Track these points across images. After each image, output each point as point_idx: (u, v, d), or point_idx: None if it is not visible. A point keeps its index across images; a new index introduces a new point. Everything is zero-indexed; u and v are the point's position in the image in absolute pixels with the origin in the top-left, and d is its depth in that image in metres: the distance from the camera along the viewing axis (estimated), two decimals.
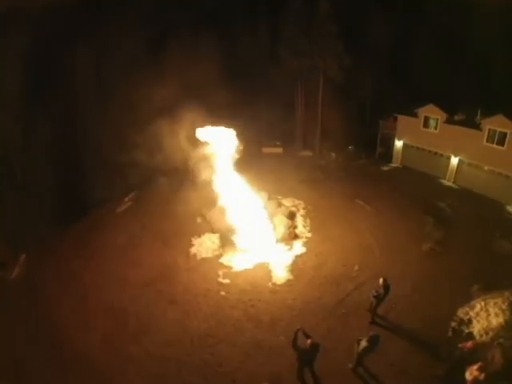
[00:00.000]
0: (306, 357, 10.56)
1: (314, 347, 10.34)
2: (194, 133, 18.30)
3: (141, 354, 12.84)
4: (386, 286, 12.71)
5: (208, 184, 18.56)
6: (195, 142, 18.38)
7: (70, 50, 21.32)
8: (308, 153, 30.28)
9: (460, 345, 11.67)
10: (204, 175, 18.25)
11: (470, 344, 11.53)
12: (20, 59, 19.15)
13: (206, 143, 18.01)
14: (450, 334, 13.12)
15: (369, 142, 29.47)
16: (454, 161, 24.33)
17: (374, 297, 12.84)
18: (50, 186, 20.32)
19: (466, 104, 24.32)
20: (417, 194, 23.07)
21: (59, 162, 20.95)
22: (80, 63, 22.44)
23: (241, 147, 18.65)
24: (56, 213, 20.19)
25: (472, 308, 13.95)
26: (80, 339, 13.53)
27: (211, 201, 19.62)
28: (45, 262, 18.31)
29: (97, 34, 21.71)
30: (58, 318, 14.65)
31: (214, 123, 18.70)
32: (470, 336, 13.03)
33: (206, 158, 18.14)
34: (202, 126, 18.30)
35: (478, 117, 23.19)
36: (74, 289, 16.26)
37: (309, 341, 10.29)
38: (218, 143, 18.02)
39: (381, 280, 12.78)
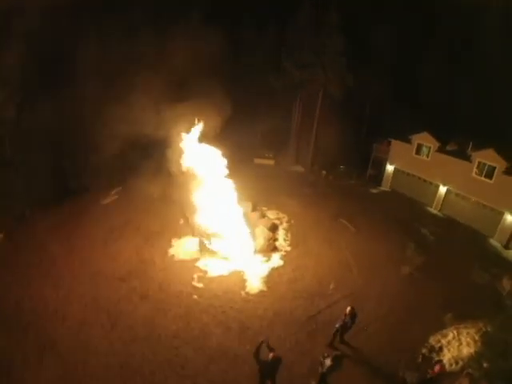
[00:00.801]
0: (267, 369, 10.40)
1: (276, 360, 10.21)
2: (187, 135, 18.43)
3: (106, 347, 12.76)
4: (353, 315, 12.46)
5: (195, 187, 18.53)
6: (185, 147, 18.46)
7: (72, 38, 21.45)
8: (299, 168, 30.34)
9: (429, 373, 11.48)
10: (191, 180, 18.23)
11: (437, 369, 11.35)
12: (22, 39, 19.12)
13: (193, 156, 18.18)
14: (419, 360, 12.97)
15: (361, 163, 29.60)
16: (442, 190, 24.48)
17: (340, 326, 12.59)
18: (38, 165, 20.22)
19: (460, 134, 24.68)
20: (402, 218, 23.13)
21: (50, 143, 20.79)
22: (82, 53, 22.53)
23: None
24: (40, 193, 20.12)
25: (444, 336, 14.01)
26: (49, 327, 13.46)
27: (196, 204, 19.53)
28: (22, 242, 18.22)
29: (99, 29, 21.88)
30: (29, 302, 14.54)
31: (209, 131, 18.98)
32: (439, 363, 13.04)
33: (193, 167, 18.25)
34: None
35: (470, 149, 23.49)
36: (49, 274, 16.15)
37: (271, 354, 10.11)
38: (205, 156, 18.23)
39: (348, 308, 12.51)
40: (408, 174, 26.89)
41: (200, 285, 15.79)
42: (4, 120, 19.57)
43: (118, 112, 21.68)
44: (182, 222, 20.16)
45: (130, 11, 22.05)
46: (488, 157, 21.72)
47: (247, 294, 15.45)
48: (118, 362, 12.20)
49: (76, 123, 22.01)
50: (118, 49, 21.94)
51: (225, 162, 18.70)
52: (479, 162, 22.26)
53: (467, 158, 23.00)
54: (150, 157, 21.14)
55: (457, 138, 24.67)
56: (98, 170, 21.66)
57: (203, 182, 18.17)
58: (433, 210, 25.00)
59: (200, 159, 18.25)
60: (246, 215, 19.54)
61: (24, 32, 19.01)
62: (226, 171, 18.69)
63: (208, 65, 24.24)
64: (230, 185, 18.85)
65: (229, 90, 25.51)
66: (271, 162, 30.39)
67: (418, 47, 28.15)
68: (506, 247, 20.95)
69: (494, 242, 21.44)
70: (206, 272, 16.57)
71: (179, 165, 18.18)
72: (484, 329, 14.06)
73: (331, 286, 16.08)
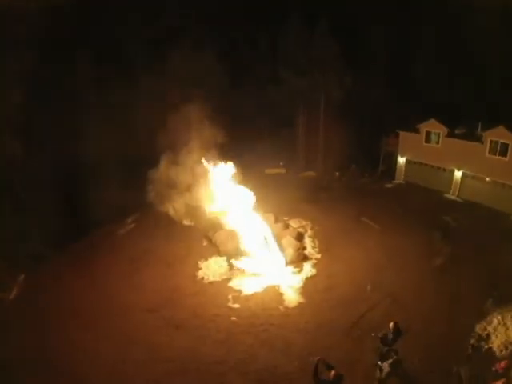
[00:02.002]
0: None
1: (338, 378, 9.72)
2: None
3: (147, 383, 12.35)
4: (397, 331, 11.44)
5: (212, 207, 18.46)
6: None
7: (70, 64, 21.75)
8: (311, 173, 30.21)
9: (493, 368, 11.28)
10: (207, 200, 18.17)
11: (503, 364, 11.15)
12: (21, 73, 19.25)
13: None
14: (469, 351, 12.81)
15: (371, 160, 29.53)
16: (458, 174, 24.37)
17: (380, 339, 11.48)
18: (50, 204, 20.05)
19: (467, 117, 24.62)
20: (422, 209, 23.00)
21: (59, 181, 20.84)
22: (80, 79, 22.82)
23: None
24: (55, 232, 19.82)
25: (489, 323, 13.88)
26: (83, 368, 12.95)
27: (217, 223, 19.45)
28: (44, 283, 17.88)
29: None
30: (58, 343, 14.10)
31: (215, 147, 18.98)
32: (490, 352, 12.79)
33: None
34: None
35: (479, 129, 23.40)
36: (75, 313, 15.73)
37: (332, 372, 9.74)
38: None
39: (391, 324, 11.52)
40: (420, 164, 26.79)
41: (236, 305, 15.54)
42: (13, 162, 19.68)
43: (121, 142, 21.95)
44: (205, 243, 20.02)
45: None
46: (499, 134, 21.67)
47: (286, 308, 15.25)
48: None
49: (82, 158, 22.24)
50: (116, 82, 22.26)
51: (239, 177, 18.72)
52: (491, 141, 22.19)
53: (478, 139, 22.93)
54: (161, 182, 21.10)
55: (465, 121, 24.64)
56: (110, 201, 21.47)
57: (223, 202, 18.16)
58: (451, 197, 24.82)
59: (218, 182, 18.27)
60: (270, 227, 19.42)
61: (26, 72, 19.25)
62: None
63: (206, 86, 24.51)
64: (247, 199, 18.80)
65: (229, 108, 25.86)
66: (282, 171, 30.30)
67: (411, 39, 28.22)
68: None
69: None
70: (240, 291, 16.33)
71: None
72: None
73: (368, 289, 15.89)
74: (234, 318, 14.84)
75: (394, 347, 11.37)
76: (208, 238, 20.10)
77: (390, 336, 11.41)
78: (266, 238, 17.67)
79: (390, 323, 11.59)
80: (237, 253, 17.95)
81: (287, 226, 20.82)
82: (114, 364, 13.13)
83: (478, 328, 13.60)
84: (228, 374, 12.45)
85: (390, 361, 10.85)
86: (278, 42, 27.49)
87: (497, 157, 22.05)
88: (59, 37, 21.37)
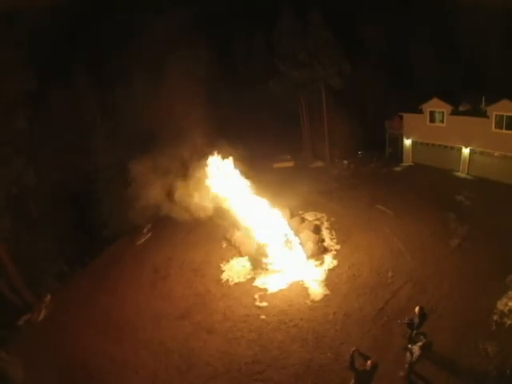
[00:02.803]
0: (367, 378, 10.32)
1: (374, 367, 10.16)
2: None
3: None
4: (423, 315, 11.80)
5: (225, 208, 18.69)
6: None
7: (70, 83, 21.96)
8: (319, 163, 30.46)
9: None
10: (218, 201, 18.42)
11: None
12: (25, 99, 19.61)
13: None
14: (493, 327, 13.11)
15: (378, 144, 29.63)
16: (466, 152, 24.42)
17: (407, 324, 11.83)
18: (66, 223, 20.56)
19: (468, 94, 24.58)
20: (433, 190, 23.15)
21: (72, 199, 21.30)
22: (82, 96, 23.09)
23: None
24: (74, 250, 20.56)
25: (511, 298, 14.05)
26: (119, 380, 13.47)
27: (233, 224, 19.72)
28: (71, 301, 18.43)
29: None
30: (92, 360, 14.53)
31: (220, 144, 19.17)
32: None
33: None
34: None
35: (483, 104, 23.28)
36: (106, 327, 16.23)
37: (368, 362, 10.12)
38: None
39: (417, 308, 11.83)
40: (427, 144, 26.85)
41: (264, 304, 15.98)
42: (24, 185, 20.11)
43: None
44: (224, 245, 20.43)
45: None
46: (504, 108, 21.58)
47: (312, 301, 15.67)
48: None
49: (92, 171, 22.60)
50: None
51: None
52: (496, 115, 22.11)
53: (483, 114, 22.85)
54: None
55: (467, 97, 24.60)
56: (124, 213, 21.96)
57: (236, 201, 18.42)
58: (461, 175, 24.91)
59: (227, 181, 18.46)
60: (287, 223, 19.75)
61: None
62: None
63: (207, 86, 24.62)
64: (259, 195, 18.99)
65: (231, 106, 26.04)
66: (290, 164, 30.55)
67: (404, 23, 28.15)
68: None
69: None
70: (265, 290, 16.77)
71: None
72: None
73: (389, 275, 16.26)
74: (263, 317, 15.28)
75: (421, 330, 11.82)
76: (227, 239, 20.50)
77: (417, 320, 11.79)
78: (286, 235, 18.00)
79: (415, 308, 11.97)
80: (258, 252, 18.30)
81: (303, 220, 21.15)
82: (154, 374, 13.63)
83: (500, 304, 13.84)
84: (265, 371, 12.89)
85: (419, 343, 11.30)
86: (273, 35, 27.47)
87: (503, 130, 21.99)
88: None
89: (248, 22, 28.33)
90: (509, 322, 13.16)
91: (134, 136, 22.51)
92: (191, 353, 14.22)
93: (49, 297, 18.81)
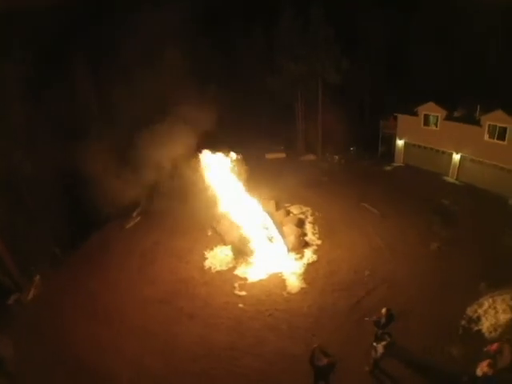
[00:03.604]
0: (322, 373, 10.93)
1: (330, 366, 10.73)
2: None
3: (169, 371, 13.28)
4: (390, 316, 12.34)
5: (214, 196, 18.86)
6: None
7: (70, 69, 21.86)
8: (311, 157, 30.66)
9: (485, 349, 11.92)
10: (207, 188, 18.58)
11: (495, 346, 11.76)
12: (21, 85, 19.54)
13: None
14: (460, 331, 13.64)
15: (370, 143, 29.78)
16: (456, 157, 24.68)
17: (374, 323, 12.41)
18: (57, 206, 20.60)
19: (465, 100, 24.67)
20: (421, 192, 23.47)
21: (64, 182, 21.28)
22: (79, 78, 22.98)
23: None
24: (65, 233, 20.58)
25: (480, 306, 14.49)
26: (105, 363, 13.82)
27: (220, 213, 19.81)
28: (59, 282, 18.70)
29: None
30: (79, 340, 14.93)
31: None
32: (479, 333, 13.56)
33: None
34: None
35: (478, 113, 23.42)
36: (93, 309, 16.58)
37: (325, 360, 10.70)
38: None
39: (384, 310, 12.38)
40: (419, 147, 27.05)
41: (243, 292, 16.45)
42: (17, 166, 20.12)
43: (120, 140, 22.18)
44: (210, 233, 20.74)
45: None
46: (498, 118, 21.74)
47: (289, 293, 16.14)
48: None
49: (84, 154, 22.61)
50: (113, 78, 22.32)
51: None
52: (489, 125, 22.30)
53: (477, 123, 23.02)
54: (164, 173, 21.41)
55: (463, 104, 24.72)
56: (114, 196, 21.87)
57: (223, 191, 18.65)
58: (450, 179, 25.22)
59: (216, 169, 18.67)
60: (271, 215, 20.05)
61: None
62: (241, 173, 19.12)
63: (204, 76, 24.55)
64: (248, 186, 19.27)
65: (229, 95, 25.92)
66: (283, 155, 30.72)
67: (404, 21, 28.03)
68: None
69: None
70: (245, 279, 17.22)
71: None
72: None
73: (366, 274, 16.71)
74: (241, 305, 15.78)
75: (387, 330, 12.32)
76: (212, 227, 20.80)
77: (383, 320, 12.32)
78: (267, 228, 18.33)
79: (382, 309, 12.48)
80: (241, 241, 18.59)
81: (288, 213, 21.46)
82: (135, 356, 14.05)
83: (470, 310, 14.28)
84: (243, 358, 13.46)
85: (383, 343, 11.83)
86: (273, 28, 27.34)
87: (495, 140, 22.21)
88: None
89: (249, 13, 28.01)
90: (475, 328, 13.67)
91: (129, 122, 22.56)
92: (174, 337, 14.69)
93: (38, 277, 18.96)
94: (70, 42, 21.76)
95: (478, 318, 14.03)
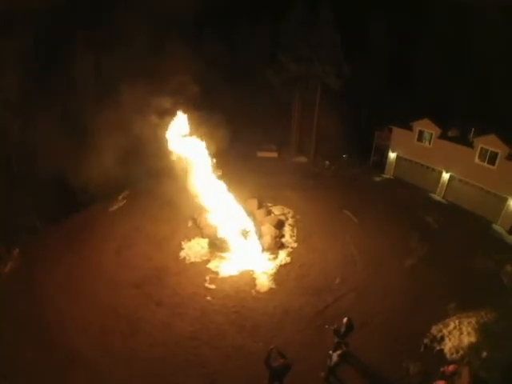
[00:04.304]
0: (276, 374, 11.04)
1: (285, 367, 10.86)
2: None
3: (129, 353, 13.49)
4: (350, 327, 12.52)
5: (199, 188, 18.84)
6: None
7: (70, 45, 21.80)
8: (302, 159, 30.61)
9: (442, 368, 12.07)
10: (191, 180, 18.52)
11: (451, 368, 11.90)
12: (20, 54, 19.41)
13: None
14: (422, 349, 13.71)
15: (363, 151, 29.77)
16: (445, 176, 24.70)
17: (333, 331, 12.57)
18: (45, 180, 20.38)
19: (461, 120, 24.67)
20: (406, 207, 23.51)
21: (55, 156, 21.17)
22: (80, 60, 22.90)
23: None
24: (50, 208, 20.53)
25: (446, 326, 14.59)
26: (72, 338, 14.10)
27: (201, 206, 19.87)
28: (38, 257, 18.76)
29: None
30: (50, 314, 15.20)
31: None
32: (441, 353, 13.63)
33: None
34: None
35: (472, 134, 23.42)
36: (68, 286, 16.79)
37: (281, 360, 10.82)
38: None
39: (345, 319, 12.60)
40: (411, 161, 27.03)
41: (212, 286, 16.54)
42: (9, 137, 20.04)
43: (116, 120, 22.12)
44: (190, 224, 20.75)
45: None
46: (490, 142, 21.76)
47: (257, 292, 16.23)
48: (140, 367, 12.96)
49: (76, 135, 22.50)
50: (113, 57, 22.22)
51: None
52: (481, 148, 22.29)
53: (469, 144, 23.03)
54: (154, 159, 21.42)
55: (458, 124, 24.70)
56: (102, 178, 22.02)
57: (206, 182, 18.59)
58: (436, 197, 25.24)
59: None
60: (252, 213, 20.12)
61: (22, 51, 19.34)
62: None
63: (206, 62, 24.42)
64: (234, 181, 19.28)
65: (228, 87, 25.89)
66: (274, 155, 30.65)
67: (412, 34, 28.02)
68: (510, 233, 21.21)
69: (498, 228, 21.69)
70: (217, 273, 17.30)
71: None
72: (485, 318, 14.66)
73: (337, 281, 16.76)
74: (209, 298, 15.90)
75: (345, 340, 12.37)
76: (193, 219, 20.81)
77: (343, 330, 12.41)
78: (244, 227, 18.37)
79: (344, 318, 12.56)
80: (218, 236, 18.62)
81: (269, 213, 21.47)
82: (100, 335, 14.37)
83: (434, 329, 14.38)
84: (200, 347, 13.71)
85: (339, 352, 11.89)
86: (280, 26, 27.23)
87: (485, 164, 22.25)
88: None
89: (255, 8, 27.88)
90: (438, 348, 13.73)
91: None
92: (138, 321, 14.92)
93: (17, 250, 18.99)
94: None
95: (442, 338, 14.12)
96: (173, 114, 19.21)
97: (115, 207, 23.60)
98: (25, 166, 20.74)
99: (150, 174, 23.05)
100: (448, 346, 13.77)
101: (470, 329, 14.26)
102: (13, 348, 13.68)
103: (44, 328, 14.55)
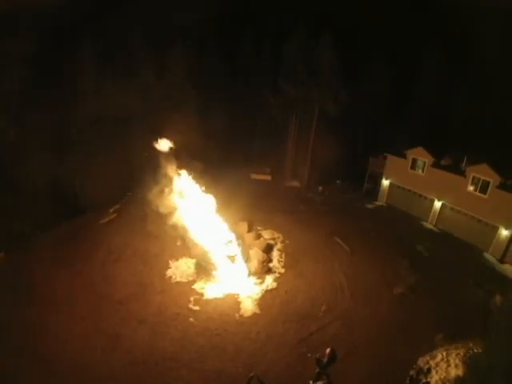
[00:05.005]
0: None
1: None
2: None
3: (107, 371, 13.26)
4: (332, 357, 12.65)
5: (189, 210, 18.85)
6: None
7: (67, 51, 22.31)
8: (296, 183, 30.69)
9: None
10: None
11: None
12: (19, 61, 19.89)
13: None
14: (407, 382, 13.32)
15: (357, 178, 29.90)
16: (437, 204, 24.75)
17: (316, 360, 12.58)
18: (38, 186, 20.61)
19: (454, 149, 24.96)
20: (397, 235, 23.43)
21: (48, 164, 21.24)
22: (79, 66, 23.40)
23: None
24: (40, 213, 20.68)
25: (433, 357, 14.18)
26: (51, 351, 13.94)
27: (190, 226, 19.69)
28: (23, 262, 18.75)
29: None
30: (28, 324, 14.99)
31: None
32: None
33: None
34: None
35: (464, 163, 23.67)
36: (49, 294, 16.68)
37: None
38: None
39: (328, 350, 12.73)
40: (403, 189, 27.15)
41: (196, 307, 16.34)
42: (4, 142, 20.29)
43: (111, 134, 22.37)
44: (179, 243, 20.60)
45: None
46: (482, 171, 21.97)
47: (241, 316, 15.99)
48: None
49: (70, 146, 22.77)
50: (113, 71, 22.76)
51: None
52: (473, 177, 22.50)
53: (462, 173, 23.24)
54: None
55: (451, 153, 24.97)
56: (95, 190, 21.95)
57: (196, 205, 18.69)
58: (428, 225, 25.24)
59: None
60: (241, 236, 20.02)
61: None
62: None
63: (207, 85, 25.01)
64: (225, 204, 19.23)
65: (226, 109, 26.33)
66: (268, 178, 30.77)
67: (411, 61, 28.75)
68: (501, 261, 21.21)
69: (489, 257, 21.67)
70: (202, 294, 17.12)
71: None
72: (473, 350, 14.33)
73: (323, 309, 16.49)
74: (192, 320, 15.68)
75: (327, 371, 12.09)
76: (182, 238, 20.63)
77: (325, 360, 12.17)
78: (232, 248, 18.28)
79: (327, 348, 12.32)
80: (205, 257, 18.48)
81: (259, 237, 21.32)
82: (80, 349, 14.19)
83: (421, 361, 13.98)
84: (180, 370, 13.44)
85: (320, 382, 11.59)
86: (281, 51, 27.88)
87: (477, 193, 22.36)
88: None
89: (259, 30, 28.64)
90: (423, 381, 13.31)
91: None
92: (118, 338, 14.75)
93: (2, 254, 19.04)
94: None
95: (429, 370, 13.70)
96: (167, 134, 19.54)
97: (106, 219, 23.58)
98: (17, 170, 20.81)
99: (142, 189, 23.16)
100: (434, 378, 13.36)
101: (457, 361, 13.85)
102: None
103: (24, 338, 14.39)
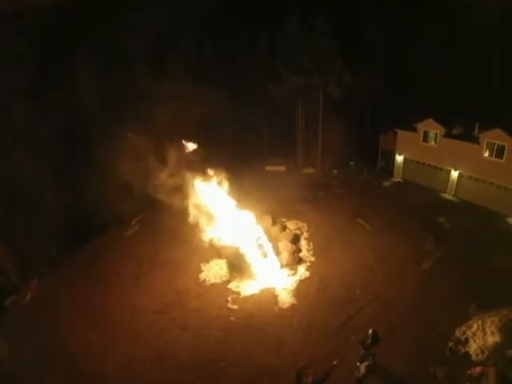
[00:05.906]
0: None
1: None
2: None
3: (158, 379, 13.81)
4: (375, 338, 12.97)
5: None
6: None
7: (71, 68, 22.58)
8: (310, 170, 30.90)
9: (469, 371, 12.21)
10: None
11: (478, 370, 12.05)
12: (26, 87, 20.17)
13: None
14: (447, 353, 13.80)
15: (370, 157, 29.94)
16: (454, 174, 24.78)
17: (360, 342, 12.99)
18: (58, 210, 21.13)
19: (465, 117, 24.85)
20: (417, 209, 23.53)
21: (66, 187, 21.73)
22: (83, 85, 23.67)
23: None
24: (64, 237, 21.16)
25: (469, 327, 14.59)
26: (100, 368, 14.39)
27: (217, 227, 20.10)
28: (56, 286, 19.29)
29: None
30: (73, 344, 15.55)
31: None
32: (467, 355, 13.73)
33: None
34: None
35: (476, 130, 23.56)
36: (88, 314, 17.19)
37: (310, 378, 11.10)
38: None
39: (370, 331, 13.05)
40: (418, 163, 27.18)
41: (235, 306, 16.85)
42: (21, 172, 20.75)
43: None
44: (207, 245, 20.98)
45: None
46: (496, 136, 21.89)
47: (280, 309, 16.49)
48: None
49: (87, 164, 23.14)
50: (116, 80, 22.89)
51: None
52: (488, 143, 22.45)
53: (475, 140, 23.17)
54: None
55: (462, 121, 24.85)
56: (115, 204, 22.13)
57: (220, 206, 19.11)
58: (447, 196, 25.26)
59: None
60: (267, 230, 20.39)
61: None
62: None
63: (207, 82, 25.03)
64: (246, 199, 19.64)
65: (230, 105, 26.41)
66: (282, 168, 30.97)
67: (409, 35, 28.44)
68: None
69: None
70: (238, 293, 17.62)
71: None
72: (507, 316, 14.62)
73: (357, 292, 16.94)
74: (232, 319, 16.21)
75: (371, 351, 12.60)
76: (210, 240, 21.06)
77: (369, 341, 12.69)
78: (261, 243, 18.71)
79: (369, 330, 12.77)
80: (236, 256, 18.90)
81: (284, 228, 21.72)
82: (128, 362, 14.68)
83: (458, 332, 14.42)
84: (228, 368, 13.97)
85: (366, 363, 12.13)
86: (277, 40, 27.71)
87: (493, 158, 22.33)
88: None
89: (252, 22, 28.45)
90: (463, 350, 13.79)
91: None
92: (165, 346, 15.23)
93: (36, 281, 19.57)
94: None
95: (466, 340, 14.14)
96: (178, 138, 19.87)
97: (130, 232, 24.01)
98: (36, 197, 21.19)
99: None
100: (473, 347, 13.80)
101: (493, 328, 14.22)
102: (39, 380, 14.09)
103: (67, 356, 14.87)
